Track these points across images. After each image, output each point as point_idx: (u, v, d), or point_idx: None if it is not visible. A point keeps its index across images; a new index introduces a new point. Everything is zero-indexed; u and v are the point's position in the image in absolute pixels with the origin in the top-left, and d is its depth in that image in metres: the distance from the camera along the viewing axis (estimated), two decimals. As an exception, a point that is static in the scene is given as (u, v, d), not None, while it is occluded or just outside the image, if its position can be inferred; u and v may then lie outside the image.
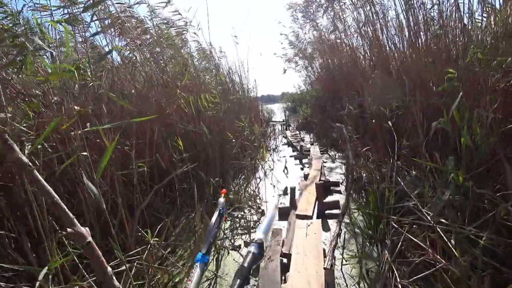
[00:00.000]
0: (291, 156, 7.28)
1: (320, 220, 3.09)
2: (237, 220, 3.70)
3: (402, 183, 3.16)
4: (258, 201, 4.30)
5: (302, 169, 6.07)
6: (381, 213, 3.08)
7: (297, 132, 10.76)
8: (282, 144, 9.40)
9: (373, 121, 4.08)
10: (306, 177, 4.66)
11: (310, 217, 3.25)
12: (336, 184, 4.58)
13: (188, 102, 3.87)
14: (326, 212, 3.70)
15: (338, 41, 7.69)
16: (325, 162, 6.24)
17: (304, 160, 6.72)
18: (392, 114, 3.49)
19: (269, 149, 8.53)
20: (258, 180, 5.35)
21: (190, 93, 4.39)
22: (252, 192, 4.62)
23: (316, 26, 8.99)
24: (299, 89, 19.04)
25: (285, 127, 14.22)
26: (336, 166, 6.10)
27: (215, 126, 4.64)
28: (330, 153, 7.25)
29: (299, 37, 10.53)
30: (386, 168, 4.00)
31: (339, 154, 7.05)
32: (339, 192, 4.44)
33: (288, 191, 4.60)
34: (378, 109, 4.07)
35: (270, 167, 6.31)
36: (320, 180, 4.43)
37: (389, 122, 3.40)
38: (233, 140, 4.68)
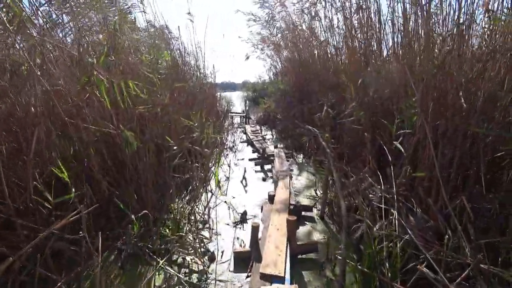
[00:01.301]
0: (251, 160, 6.19)
1: (296, 287, 2.05)
2: (173, 275, 2.50)
3: (408, 229, 2.28)
4: (206, 234, 3.14)
5: (264, 179, 5.03)
6: (380, 276, 2.16)
7: (258, 127, 9.70)
8: (241, 141, 8.27)
9: (365, 134, 3.13)
10: (271, 198, 3.62)
11: (281, 279, 2.19)
12: (308, 208, 3.62)
13: (105, 91, 2.48)
14: (300, 256, 2.71)
15: (318, 29, 6.67)
16: (291, 170, 5.29)
17: (267, 166, 5.69)
18: (399, 134, 2.54)
19: (226, 147, 7.34)
20: (210, 195, 4.20)
21: (123, 76, 3.00)
22: (199, 217, 3.45)
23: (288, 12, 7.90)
24: (260, 79, 17.94)
25: (245, 119, 13.10)
26: (305, 177, 5.17)
27: (152, 126, 3.32)
28: (296, 158, 6.34)
29: (270, 21, 9.34)
30: (373, 194, 3.14)
31: (306, 159, 6.17)
32: (311, 219, 3.49)
33: (248, 217, 3.54)
34: (372, 119, 3.16)
35: (225, 175, 5.16)
36: (290, 204, 3.42)
37: (395, 142, 2.45)
38: (176, 147, 3.39)
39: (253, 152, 6.99)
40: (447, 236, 2.15)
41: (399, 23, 3.63)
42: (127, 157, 2.93)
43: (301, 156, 6.48)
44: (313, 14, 6.04)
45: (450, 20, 2.85)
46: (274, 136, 8.87)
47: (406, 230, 2.32)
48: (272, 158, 5.66)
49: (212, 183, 4.71)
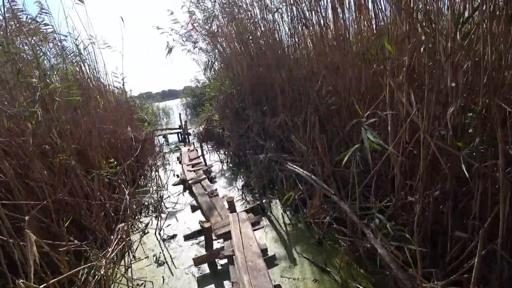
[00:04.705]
0: (188, 239, 3.20)
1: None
2: None
3: None
4: None
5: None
6: None
7: (199, 152, 6.54)
8: (174, 183, 5.16)
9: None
10: None
11: None
12: None
13: None
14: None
15: None
16: (275, 263, 2.49)
17: (221, 262, 2.74)
18: None
19: (141, 215, 4.23)
20: None
21: None
22: None
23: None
24: (199, 82, 14.65)
25: (182, 137, 9.85)
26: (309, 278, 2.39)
27: None
28: (269, 208, 3.55)
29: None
30: None
31: (288, 211, 3.41)
32: None
33: None
34: None
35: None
36: None
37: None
38: None
39: (193, 209, 3.97)
40: None
41: None
42: None
43: (277, 204, 3.72)
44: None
45: None
46: (225, 164, 5.94)
47: None
48: (226, 240, 2.75)
49: None
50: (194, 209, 3.92)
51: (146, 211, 4.11)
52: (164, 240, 3.29)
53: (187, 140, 9.28)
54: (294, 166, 2.67)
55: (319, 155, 3.03)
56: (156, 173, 5.17)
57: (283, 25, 4.38)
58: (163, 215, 3.87)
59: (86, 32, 5.33)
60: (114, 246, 3.03)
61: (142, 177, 5.41)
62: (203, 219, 3.59)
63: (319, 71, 3.39)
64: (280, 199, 3.73)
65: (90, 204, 3.32)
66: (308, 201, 3.18)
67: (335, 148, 3.16)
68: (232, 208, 3.27)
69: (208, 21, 6.23)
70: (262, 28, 4.68)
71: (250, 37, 5.01)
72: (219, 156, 6.41)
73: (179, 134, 10.12)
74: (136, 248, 3.19)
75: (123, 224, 3.34)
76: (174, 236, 3.32)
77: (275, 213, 3.52)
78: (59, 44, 4.62)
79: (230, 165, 5.83)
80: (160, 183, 4.95)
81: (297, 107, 3.94)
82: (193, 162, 5.85)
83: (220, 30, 6.19)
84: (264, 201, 3.74)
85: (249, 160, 4.71)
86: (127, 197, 3.75)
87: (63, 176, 3.27)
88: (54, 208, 3.02)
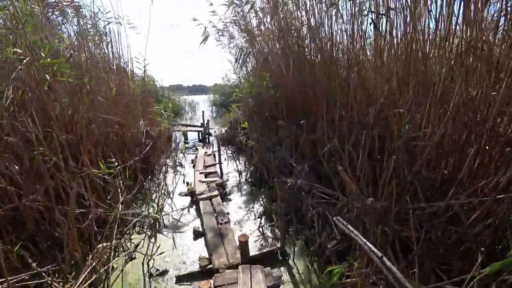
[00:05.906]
0: (179, 281, 2.41)
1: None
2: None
3: None
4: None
5: None
6: None
7: (217, 157, 5.71)
8: (181, 194, 4.40)
9: None
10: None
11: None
12: None
13: None
14: None
15: None
16: None
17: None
18: None
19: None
20: None
21: None
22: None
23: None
24: (229, 81, 13.95)
25: (202, 136, 9.19)
26: None
27: None
28: (295, 262, 2.68)
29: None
30: None
31: (312, 267, 2.53)
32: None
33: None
34: None
35: None
36: None
37: None
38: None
39: (196, 236, 3.18)
40: None
41: None
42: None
43: (302, 248, 2.85)
44: None
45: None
46: (243, 177, 5.13)
47: None
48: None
49: None
50: (197, 235, 3.14)
51: (141, 226, 3.40)
52: (151, 275, 2.53)
53: (207, 140, 8.60)
54: (346, 224, 1.80)
55: (374, 196, 2.16)
56: (164, 178, 4.47)
57: (337, 22, 3.52)
58: (159, 236, 3.14)
59: (113, 12, 4.80)
60: (86, 276, 2.33)
61: (149, 178, 4.73)
62: (205, 252, 2.81)
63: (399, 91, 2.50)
64: (308, 245, 2.85)
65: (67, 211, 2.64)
66: (351, 255, 2.29)
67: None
68: (244, 251, 2.44)
69: (243, 13, 5.46)
70: (312, 24, 3.83)
71: (295, 34, 4.18)
72: (237, 166, 5.61)
73: (200, 133, 9.49)
74: (114, 281, 2.46)
75: (104, 244, 2.64)
76: (164, 273, 2.55)
77: (299, 263, 2.66)
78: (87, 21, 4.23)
79: (250, 179, 5.01)
80: (165, 191, 4.23)
81: (349, 129, 3.07)
82: (207, 170, 5.10)
83: (259, 26, 5.40)
84: (285, 237, 2.90)
85: (273, 180, 3.90)
86: (120, 206, 3.05)
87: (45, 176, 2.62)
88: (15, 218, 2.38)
